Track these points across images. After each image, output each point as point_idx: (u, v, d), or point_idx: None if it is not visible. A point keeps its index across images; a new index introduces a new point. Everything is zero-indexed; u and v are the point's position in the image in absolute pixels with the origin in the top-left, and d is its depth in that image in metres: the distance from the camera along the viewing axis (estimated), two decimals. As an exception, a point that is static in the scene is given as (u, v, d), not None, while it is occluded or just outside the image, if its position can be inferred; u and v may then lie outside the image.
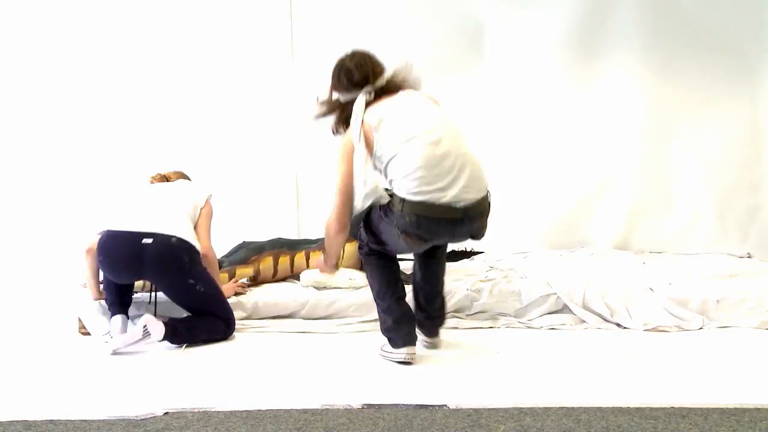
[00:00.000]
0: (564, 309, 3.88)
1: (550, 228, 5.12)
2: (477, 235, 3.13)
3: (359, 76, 3.16)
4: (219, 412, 2.62)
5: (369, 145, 3.06)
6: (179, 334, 3.41)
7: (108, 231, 3.48)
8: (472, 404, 2.67)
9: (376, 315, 3.83)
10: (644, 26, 5.03)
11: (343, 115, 3.24)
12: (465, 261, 4.85)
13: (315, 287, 4.00)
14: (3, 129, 5.02)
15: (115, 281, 3.52)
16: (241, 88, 5.03)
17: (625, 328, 3.77)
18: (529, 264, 4.40)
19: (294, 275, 4.25)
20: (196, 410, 2.64)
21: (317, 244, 4.28)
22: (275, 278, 4.22)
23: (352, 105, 3.15)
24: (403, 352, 3.14)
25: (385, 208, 3.07)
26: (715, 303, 3.81)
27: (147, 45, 4.97)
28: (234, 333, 3.65)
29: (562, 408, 2.63)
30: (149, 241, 3.39)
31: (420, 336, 3.31)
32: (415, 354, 3.15)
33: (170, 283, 3.48)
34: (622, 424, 2.49)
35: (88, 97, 4.98)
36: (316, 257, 4.19)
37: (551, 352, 3.36)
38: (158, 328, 3.35)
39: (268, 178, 5.06)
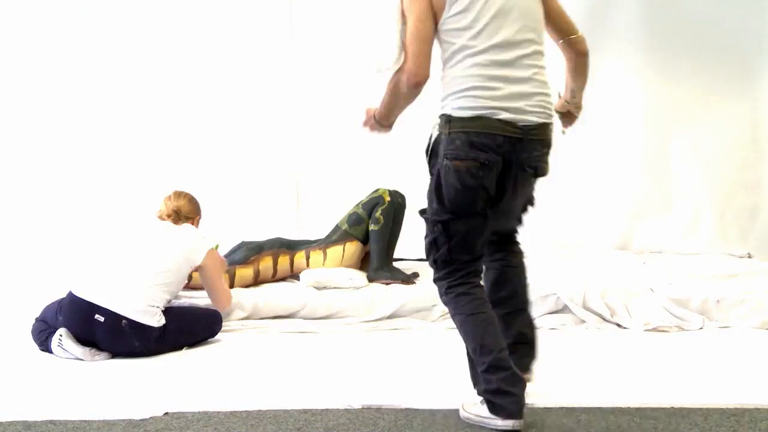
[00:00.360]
0: (564, 309, 3.88)
1: (550, 228, 5.11)
2: (539, 168, 2.63)
3: None
4: (219, 412, 2.62)
5: (434, 12, 2.48)
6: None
7: (71, 294, 3.37)
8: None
9: (376, 315, 3.86)
10: (644, 26, 5.03)
11: None
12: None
13: (315, 287, 4.00)
14: (3, 130, 5.01)
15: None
16: (241, 88, 5.02)
17: (625, 328, 3.77)
18: (529, 264, 4.39)
19: (294, 275, 4.25)
20: (196, 410, 2.64)
21: (317, 243, 4.28)
22: (275, 278, 4.21)
23: None
24: (507, 425, 2.40)
25: (432, 156, 2.55)
26: (715, 303, 3.82)
27: (147, 46, 4.97)
28: (230, 332, 3.66)
29: (562, 408, 2.63)
30: (101, 319, 3.27)
31: None
32: (521, 427, 2.42)
33: (125, 352, 3.36)
34: (622, 424, 2.49)
35: (87, 96, 4.97)
36: (317, 256, 4.20)
37: (551, 352, 3.35)
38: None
39: (268, 178, 5.06)
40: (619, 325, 3.79)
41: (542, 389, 2.83)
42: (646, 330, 3.71)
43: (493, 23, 2.46)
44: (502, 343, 2.47)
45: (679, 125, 5.12)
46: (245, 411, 2.63)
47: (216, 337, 3.61)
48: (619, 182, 5.12)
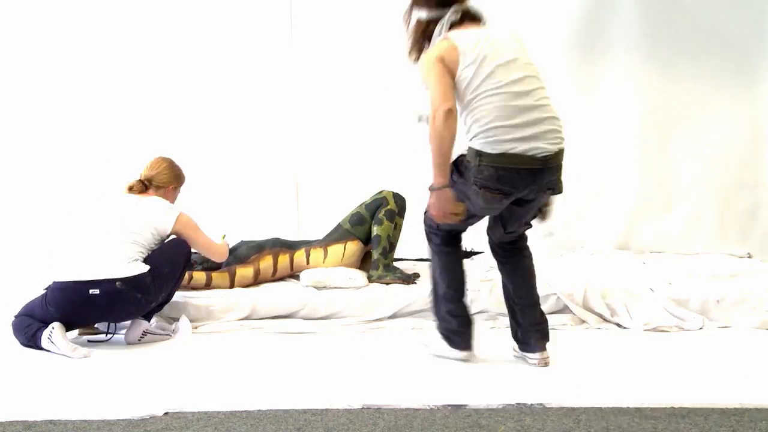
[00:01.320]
0: (564, 309, 3.88)
1: (550, 228, 5.11)
2: (555, 188, 3.03)
3: None
4: (219, 412, 2.62)
5: (450, 70, 2.88)
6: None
7: (55, 283, 3.42)
8: (472, 404, 2.67)
9: (376, 315, 3.86)
10: (644, 27, 5.03)
11: (423, 35, 3.02)
12: (465, 261, 4.85)
13: (315, 287, 4.00)
14: (3, 129, 5.01)
15: (73, 328, 3.51)
16: (241, 87, 5.03)
17: (625, 328, 3.77)
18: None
19: (294, 274, 4.25)
20: (196, 410, 2.64)
21: (318, 242, 4.28)
22: (275, 277, 4.21)
23: (435, 25, 2.98)
24: (463, 354, 3.17)
25: (458, 169, 2.95)
26: (715, 303, 3.82)
27: (146, 46, 4.97)
28: (230, 332, 3.71)
29: (562, 408, 2.63)
30: (97, 291, 3.33)
31: (523, 353, 3.19)
32: (471, 357, 3.18)
33: (135, 315, 3.49)
34: (622, 424, 2.49)
35: (85, 94, 4.97)
36: (317, 254, 4.20)
37: (551, 352, 3.36)
38: (142, 327, 3.51)
39: (268, 178, 5.06)
40: (619, 325, 3.79)
41: (542, 389, 2.84)
42: (646, 330, 3.71)
43: (502, 68, 2.88)
44: (462, 294, 3.17)
45: (679, 125, 5.12)
46: (245, 411, 2.63)
47: (215, 335, 3.64)
48: (619, 182, 5.12)
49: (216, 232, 3.91)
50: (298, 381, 2.98)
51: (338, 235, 4.24)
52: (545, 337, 3.19)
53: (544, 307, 3.86)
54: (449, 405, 2.67)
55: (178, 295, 3.84)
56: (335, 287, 3.99)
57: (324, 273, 4.05)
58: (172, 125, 4.99)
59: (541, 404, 2.66)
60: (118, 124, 4.97)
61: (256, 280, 4.16)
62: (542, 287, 3.88)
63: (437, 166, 2.88)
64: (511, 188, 2.89)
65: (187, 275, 3.98)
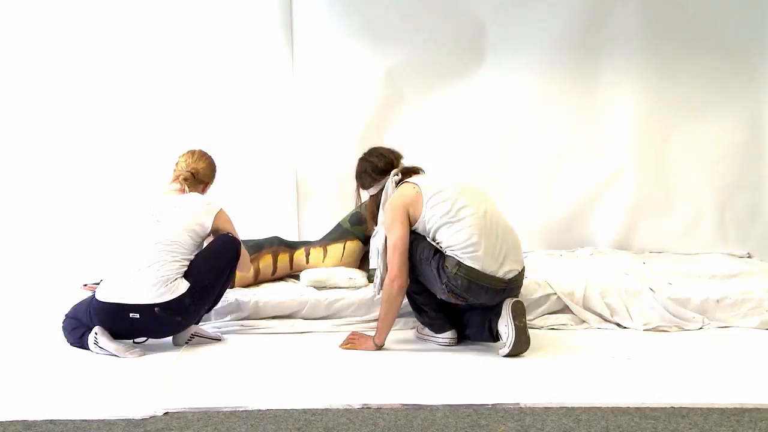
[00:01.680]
0: (564, 309, 3.88)
1: (550, 228, 5.11)
2: (513, 296, 3.34)
3: (383, 164, 3.49)
4: (219, 412, 2.62)
5: (411, 213, 3.31)
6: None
7: (95, 301, 3.39)
8: (472, 404, 2.67)
9: (376, 315, 3.84)
10: (644, 27, 5.03)
11: (377, 207, 3.50)
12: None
13: (315, 287, 4.00)
14: (3, 129, 5.01)
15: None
16: (241, 87, 5.02)
17: (625, 328, 3.77)
18: (530, 264, 4.40)
19: (293, 274, 4.25)
20: (196, 410, 2.64)
21: (317, 241, 4.28)
22: (274, 276, 4.21)
23: (381, 193, 3.47)
24: (447, 336, 3.45)
25: (438, 261, 3.26)
26: (715, 303, 3.82)
27: (146, 46, 4.96)
28: (230, 332, 3.69)
29: (562, 408, 2.63)
30: (137, 315, 3.32)
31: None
32: (456, 337, 3.45)
33: (177, 332, 3.47)
34: (622, 424, 2.49)
35: (88, 95, 4.96)
36: (317, 253, 4.20)
37: (551, 352, 3.36)
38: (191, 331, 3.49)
39: (268, 178, 5.06)
40: (619, 325, 3.79)
41: (542, 389, 2.84)
42: (646, 330, 3.72)
43: (462, 196, 3.30)
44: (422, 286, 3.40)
45: (679, 125, 5.12)
46: (245, 411, 2.63)
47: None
48: (619, 182, 5.12)
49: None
50: (298, 381, 2.98)
51: (338, 234, 4.25)
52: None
53: (545, 307, 3.88)
54: (449, 405, 2.67)
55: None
56: (335, 287, 3.99)
57: (324, 273, 4.04)
58: (173, 126, 4.98)
59: (540, 404, 2.66)
60: (118, 124, 4.97)
61: (256, 280, 4.15)
62: (542, 287, 3.91)
63: (383, 324, 3.37)
64: (474, 299, 3.27)
65: None
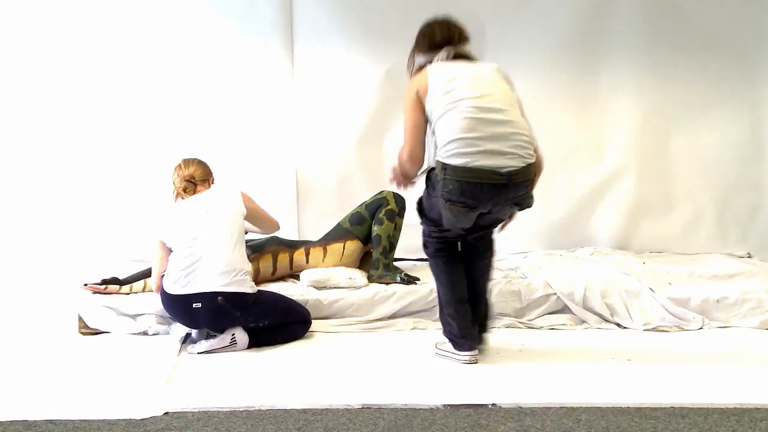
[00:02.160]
0: (564, 309, 3.88)
1: (550, 228, 5.11)
2: (523, 203, 3.10)
3: (440, 38, 3.20)
4: (219, 412, 2.63)
5: (421, 100, 3.09)
6: (262, 343, 3.51)
7: (164, 292, 3.51)
8: (472, 404, 2.68)
9: (376, 315, 3.86)
10: (644, 26, 5.02)
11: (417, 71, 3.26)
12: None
13: (315, 287, 4.00)
14: (3, 129, 5.01)
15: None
16: (241, 87, 5.01)
17: (625, 328, 3.77)
18: (530, 264, 4.40)
19: (293, 273, 4.25)
20: (196, 410, 2.64)
21: (317, 241, 4.28)
22: (274, 276, 4.21)
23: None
24: (468, 356, 3.21)
25: (430, 182, 3.12)
26: (715, 303, 3.82)
27: (146, 44, 4.95)
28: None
29: (562, 408, 2.64)
30: (199, 305, 3.41)
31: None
32: (478, 355, 3.24)
33: (234, 327, 3.49)
34: (622, 424, 2.49)
35: (90, 96, 4.95)
36: (317, 253, 4.20)
37: (551, 352, 3.36)
38: (244, 339, 3.46)
39: (268, 179, 5.05)
40: (619, 325, 3.79)
41: (542, 389, 2.84)
42: (646, 330, 3.72)
43: (468, 87, 3.04)
44: (460, 297, 3.22)
45: (679, 125, 5.11)
46: (245, 411, 2.63)
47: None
48: (619, 182, 5.12)
49: None
50: (298, 381, 2.98)
51: (338, 234, 4.25)
52: (483, 333, 3.35)
53: (545, 307, 3.88)
54: (449, 405, 2.67)
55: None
56: (335, 287, 3.99)
57: (324, 273, 4.04)
58: (173, 127, 4.98)
59: (540, 404, 2.66)
60: (119, 125, 4.96)
61: (256, 280, 4.14)
62: (542, 287, 3.91)
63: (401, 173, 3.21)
64: (475, 201, 3.00)
65: None
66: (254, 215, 3.78)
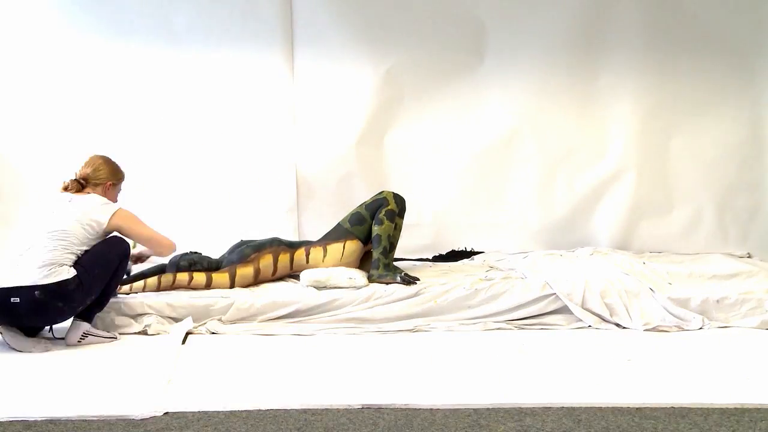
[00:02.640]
0: (564, 309, 3.88)
1: (550, 228, 5.11)
2: None
3: None
4: (219, 412, 2.63)
5: None
6: (94, 313, 3.55)
7: None
8: (472, 404, 2.68)
9: (376, 315, 3.85)
10: (644, 27, 5.03)
11: None
12: (465, 261, 4.85)
13: (315, 287, 4.00)
14: (3, 129, 5.01)
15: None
16: (242, 89, 5.02)
17: (624, 328, 3.77)
18: (529, 264, 4.40)
19: (294, 273, 4.25)
20: (196, 410, 2.64)
21: (317, 241, 4.28)
22: (275, 276, 4.21)
23: None
24: None
25: None
26: (715, 303, 3.82)
27: (147, 45, 4.96)
28: (230, 333, 3.69)
29: (562, 408, 2.64)
30: (17, 300, 3.30)
31: None
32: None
33: (59, 321, 3.46)
34: (622, 424, 2.49)
35: (93, 97, 4.97)
36: (317, 253, 4.20)
37: (551, 352, 3.36)
38: (81, 328, 3.47)
39: (268, 179, 5.06)
40: (618, 325, 3.79)
41: (542, 389, 2.84)
42: (646, 330, 3.72)
43: None
44: None
45: (679, 125, 5.12)
46: (245, 411, 2.63)
47: (216, 335, 3.62)
48: (619, 182, 5.12)
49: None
50: (298, 381, 2.98)
51: (338, 234, 4.25)
52: None
53: (544, 306, 3.87)
54: (449, 405, 2.67)
55: (181, 296, 3.84)
56: (335, 287, 3.99)
57: (324, 273, 4.04)
58: (172, 126, 4.98)
59: (541, 404, 2.66)
60: (120, 126, 4.97)
61: (257, 280, 4.15)
62: (542, 287, 3.90)
63: None
64: None
65: (186, 276, 3.98)
66: (128, 234, 3.62)
